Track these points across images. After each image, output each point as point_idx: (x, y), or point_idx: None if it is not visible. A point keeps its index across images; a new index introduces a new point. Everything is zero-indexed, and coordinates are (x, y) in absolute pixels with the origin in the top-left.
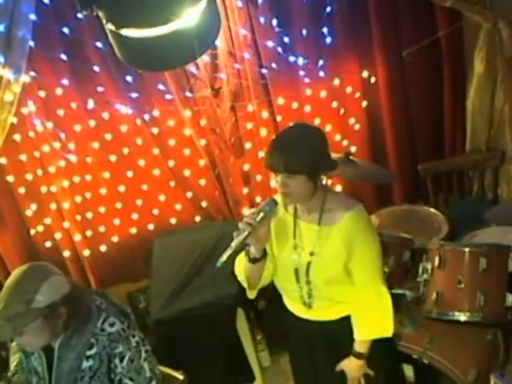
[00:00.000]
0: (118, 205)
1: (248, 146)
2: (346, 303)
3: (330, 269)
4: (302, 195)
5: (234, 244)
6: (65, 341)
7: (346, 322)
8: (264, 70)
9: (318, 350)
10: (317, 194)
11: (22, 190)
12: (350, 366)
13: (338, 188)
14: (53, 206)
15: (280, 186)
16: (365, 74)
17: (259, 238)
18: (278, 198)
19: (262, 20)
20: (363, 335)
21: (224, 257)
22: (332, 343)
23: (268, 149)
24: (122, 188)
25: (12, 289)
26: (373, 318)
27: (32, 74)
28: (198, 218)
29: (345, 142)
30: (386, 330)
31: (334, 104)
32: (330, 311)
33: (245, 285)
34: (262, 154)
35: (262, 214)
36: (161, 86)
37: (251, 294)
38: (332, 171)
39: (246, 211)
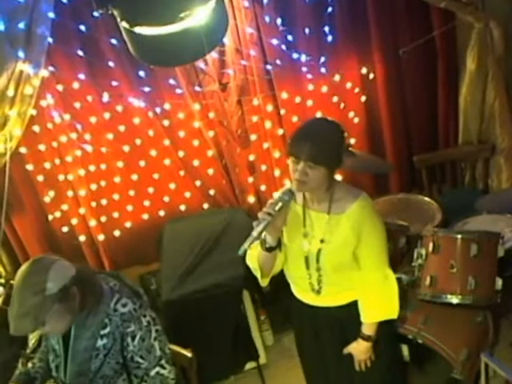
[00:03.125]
0: (131, 192)
1: (253, 137)
2: (353, 289)
3: (339, 255)
4: (317, 186)
5: (255, 233)
6: (81, 321)
7: (352, 307)
8: (269, 66)
9: (325, 335)
10: (329, 187)
11: (40, 178)
12: (358, 348)
13: (338, 178)
14: (69, 193)
15: (299, 173)
16: (364, 70)
17: (277, 227)
18: (288, 187)
19: (267, 19)
20: (371, 318)
21: (246, 245)
22: (339, 328)
23: (294, 136)
24: (134, 176)
25: (21, 286)
26: (380, 301)
27: (51, 68)
28: (206, 205)
29: (345, 135)
30: (392, 312)
31: (335, 99)
32: (338, 297)
33: (257, 274)
34: (266, 145)
35: (280, 204)
36: (172, 81)
37: (264, 282)
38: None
39: (252, 199)
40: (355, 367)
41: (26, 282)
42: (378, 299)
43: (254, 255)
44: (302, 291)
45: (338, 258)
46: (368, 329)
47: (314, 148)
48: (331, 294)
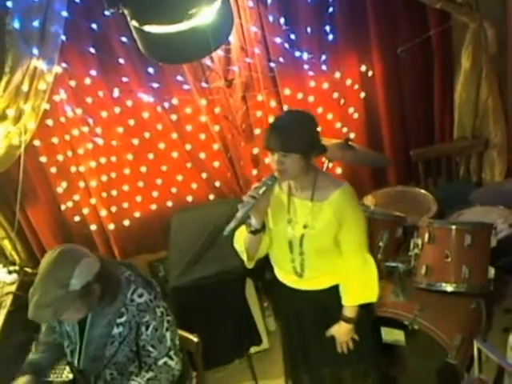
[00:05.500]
0: (140, 184)
1: (257, 131)
2: (334, 273)
3: (321, 240)
4: (296, 173)
5: (239, 215)
6: (98, 309)
7: (333, 290)
8: (272, 64)
9: (307, 318)
10: (309, 173)
11: (53, 170)
12: (340, 330)
13: (338, 171)
14: (81, 184)
15: (276, 163)
16: (363, 68)
17: (261, 209)
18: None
19: (270, 18)
20: (351, 301)
21: (231, 225)
22: (320, 311)
23: (266, 131)
24: (143, 168)
25: (46, 277)
26: (360, 285)
27: (63, 65)
28: (211, 197)
29: (344, 130)
30: (372, 295)
31: (335, 95)
32: (320, 281)
33: (244, 256)
34: None
35: (264, 188)
36: (179, 77)
37: (249, 265)
38: (322, 154)
39: None
40: (337, 349)
41: (51, 274)
42: (358, 283)
43: (240, 239)
44: (285, 274)
45: (320, 243)
46: (349, 311)
47: (282, 138)
48: (313, 278)
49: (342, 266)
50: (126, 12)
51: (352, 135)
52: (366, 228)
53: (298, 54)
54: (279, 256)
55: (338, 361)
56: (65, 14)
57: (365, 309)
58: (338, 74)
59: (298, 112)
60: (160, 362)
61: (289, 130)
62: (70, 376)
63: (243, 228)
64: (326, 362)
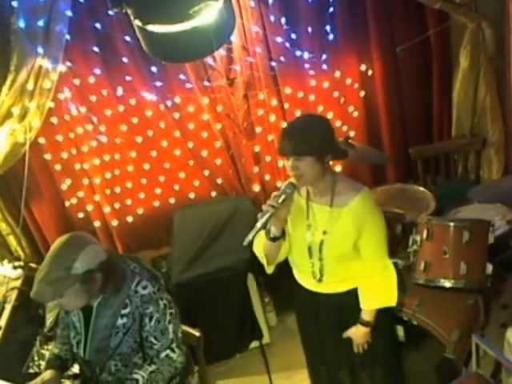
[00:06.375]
0: (143, 181)
1: (259, 129)
2: (353, 278)
3: (341, 246)
4: (312, 176)
5: (259, 224)
6: (103, 300)
7: (352, 294)
8: (273, 63)
9: (325, 320)
10: (327, 178)
11: (58, 167)
12: (357, 333)
13: (338, 168)
14: (85, 181)
15: (291, 169)
16: (363, 67)
17: (280, 218)
18: (291, 180)
19: (272, 18)
20: (369, 305)
21: (250, 236)
22: (338, 313)
23: (279, 137)
24: (146, 166)
25: (54, 257)
26: (378, 290)
27: (68, 64)
28: (213, 193)
29: (344, 128)
30: (391, 300)
31: (336, 94)
32: (339, 285)
33: (263, 261)
34: (271, 137)
35: (283, 197)
36: (182, 76)
37: (269, 270)
38: (341, 159)
39: (256, 187)
40: (354, 350)
41: (58, 255)
42: (377, 288)
43: (260, 244)
44: (304, 277)
45: (340, 249)
46: (367, 315)
47: (294, 141)
48: (332, 282)
49: (362, 270)
50: (129, 12)
51: (352, 133)
52: (385, 233)
53: (298, 53)
54: (298, 260)
55: (354, 363)
56: (69, 13)
57: (383, 312)
58: (338, 73)
59: (310, 116)
60: (162, 355)
61: (300, 133)
62: (74, 370)
63: (262, 234)
64: (343, 363)
